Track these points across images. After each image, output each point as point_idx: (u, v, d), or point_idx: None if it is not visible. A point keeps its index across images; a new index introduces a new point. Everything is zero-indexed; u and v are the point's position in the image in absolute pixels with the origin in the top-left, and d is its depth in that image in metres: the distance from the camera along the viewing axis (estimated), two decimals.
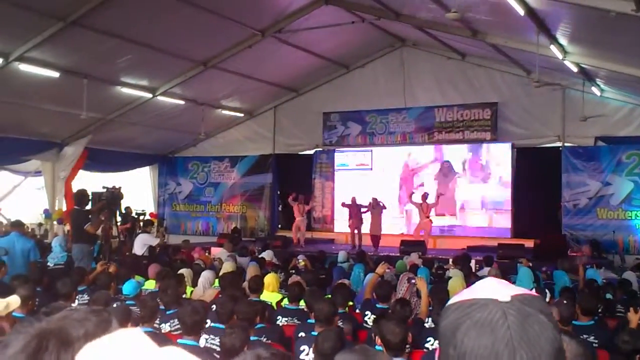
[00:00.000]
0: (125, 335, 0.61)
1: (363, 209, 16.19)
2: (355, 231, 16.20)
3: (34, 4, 10.67)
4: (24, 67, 12.34)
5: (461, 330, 0.94)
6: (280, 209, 19.36)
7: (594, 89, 14.35)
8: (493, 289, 0.98)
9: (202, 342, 4.95)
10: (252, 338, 4.58)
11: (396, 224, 17.45)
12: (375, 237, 16.01)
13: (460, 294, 1.00)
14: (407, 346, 4.67)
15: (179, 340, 4.61)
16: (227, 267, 9.53)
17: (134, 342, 0.59)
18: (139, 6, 11.67)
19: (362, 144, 18.16)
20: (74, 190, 12.18)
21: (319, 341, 3.93)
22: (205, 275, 8.25)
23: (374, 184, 17.62)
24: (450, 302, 1.00)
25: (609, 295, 8.39)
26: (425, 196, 15.59)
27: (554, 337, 0.94)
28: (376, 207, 16.17)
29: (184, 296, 7.20)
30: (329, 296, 6.68)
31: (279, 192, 19.23)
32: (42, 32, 11.44)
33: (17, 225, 10.20)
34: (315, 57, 16.36)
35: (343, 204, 16.78)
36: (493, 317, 0.93)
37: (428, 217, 15.43)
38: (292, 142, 19.08)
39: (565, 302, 5.64)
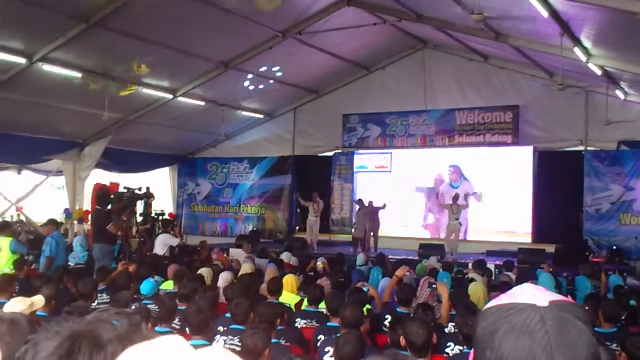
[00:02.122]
0: (166, 340, 0.59)
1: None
2: (372, 233, 16.25)
3: (58, 6, 10.79)
4: (47, 68, 12.47)
5: (499, 333, 0.95)
6: (298, 210, 19.38)
7: (618, 92, 14.19)
8: (531, 294, 0.99)
9: (220, 343, 4.95)
10: (272, 340, 4.57)
11: (414, 227, 17.40)
12: (356, 239, 16.10)
13: (498, 299, 1.03)
14: None
15: (188, 342, 4.60)
16: (246, 268, 9.57)
17: (175, 347, 0.57)
18: (160, 8, 11.75)
19: (381, 146, 18.13)
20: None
21: (339, 345, 3.93)
22: (224, 276, 8.28)
23: (393, 186, 17.59)
24: (488, 305, 1.03)
25: (632, 302, 8.27)
26: (456, 197, 15.50)
27: (591, 343, 0.95)
28: (362, 209, 16.24)
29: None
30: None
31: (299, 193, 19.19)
32: (66, 33, 11.56)
33: (57, 224, 10.47)
34: (336, 58, 16.36)
35: (357, 202, 16.78)
36: (531, 321, 0.94)
37: (458, 219, 15.33)
38: (312, 144, 19.11)
39: (587, 308, 5.58)
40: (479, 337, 0.99)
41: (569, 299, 1.03)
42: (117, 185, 15.45)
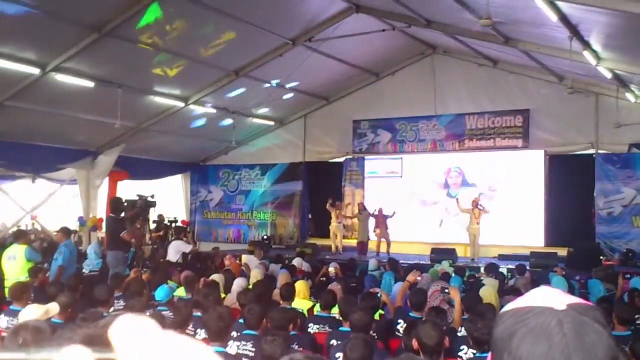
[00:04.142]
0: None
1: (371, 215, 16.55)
2: (382, 240, 16.31)
3: (70, 16, 10.89)
4: (60, 77, 12.57)
5: (517, 336, 0.95)
6: (310, 216, 19.41)
7: (628, 95, 14.14)
8: (548, 297, 0.99)
9: (233, 349, 4.98)
10: None
11: (426, 232, 17.36)
12: (362, 244, 16.29)
13: (516, 302, 1.02)
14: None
15: None
16: (256, 274, 9.59)
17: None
18: (171, 17, 11.84)
19: (392, 151, 18.15)
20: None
21: (347, 350, 3.93)
22: (238, 282, 8.34)
23: (404, 191, 17.61)
24: (505, 309, 1.02)
25: None
26: (476, 202, 15.50)
27: (610, 346, 0.94)
28: (362, 213, 16.31)
29: None
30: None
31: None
32: (78, 43, 11.66)
33: (69, 233, 10.57)
34: (346, 65, 16.40)
35: (366, 210, 16.83)
36: (549, 324, 0.94)
37: (478, 223, 15.28)
38: (322, 150, 19.14)
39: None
40: (497, 340, 0.99)
41: (588, 302, 1.04)
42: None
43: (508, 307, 1.02)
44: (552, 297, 0.99)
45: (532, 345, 0.93)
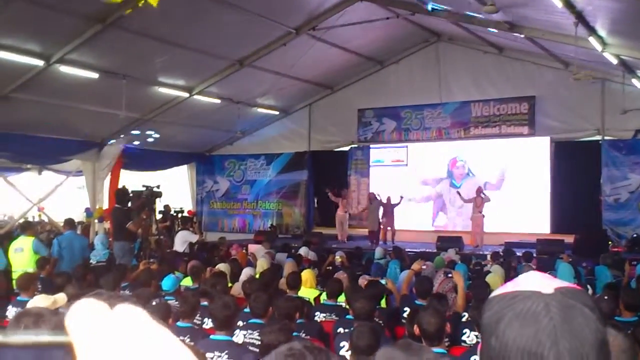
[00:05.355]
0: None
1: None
2: (388, 228, 16.33)
3: (74, 7, 10.89)
4: (65, 69, 12.59)
5: (504, 321, 0.96)
6: (316, 205, 19.43)
7: (635, 81, 14.04)
8: (536, 281, 0.99)
9: (240, 338, 5.01)
10: (292, 334, 4.62)
11: (432, 220, 17.39)
12: (373, 233, 16.31)
13: (504, 287, 1.02)
14: (446, 340, 4.69)
15: (211, 336, 4.67)
16: (262, 264, 9.64)
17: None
18: (175, 7, 11.81)
19: (397, 139, 18.11)
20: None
21: (354, 337, 3.95)
22: (246, 272, 8.39)
23: (409, 180, 17.60)
24: (494, 294, 1.02)
25: None
26: (479, 191, 15.48)
27: (598, 329, 0.94)
28: (373, 203, 16.32)
29: None
30: None
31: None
32: (82, 35, 11.66)
33: (71, 224, 10.56)
34: (350, 53, 16.35)
35: (377, 199, 16.78)
36: (536, 308, 0.94)
37: (481, 212, 15.31)
38: (327, 139, 19.14)
39: (606, 297, 5.57)
40: (485, 325, 0.99)
41: (576, 286, 1.04)
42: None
43: (496, 292, 1.02)
44: (539, 281, 0.99)
45: (519, 329, 0.93)
